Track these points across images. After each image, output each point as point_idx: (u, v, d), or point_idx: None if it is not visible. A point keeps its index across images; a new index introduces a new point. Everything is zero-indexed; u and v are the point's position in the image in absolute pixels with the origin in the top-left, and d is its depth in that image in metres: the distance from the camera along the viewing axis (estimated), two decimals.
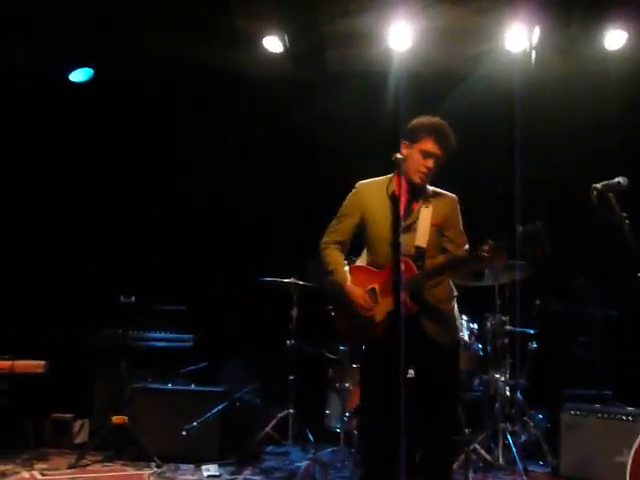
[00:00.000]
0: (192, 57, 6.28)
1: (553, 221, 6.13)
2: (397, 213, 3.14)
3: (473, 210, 6.08)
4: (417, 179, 3.50)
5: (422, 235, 3.48)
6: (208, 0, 5.63)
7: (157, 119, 6.47)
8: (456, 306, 3.66)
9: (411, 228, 3.48)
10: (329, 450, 5.16)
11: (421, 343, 3.35)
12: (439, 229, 3.55)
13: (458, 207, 3.66)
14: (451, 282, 3.65)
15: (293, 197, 6.32)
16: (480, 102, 5.97)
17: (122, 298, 5.34)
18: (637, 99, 5.91)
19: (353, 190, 3.69)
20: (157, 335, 5.86)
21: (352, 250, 3.77)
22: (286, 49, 5.79)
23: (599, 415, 4.90)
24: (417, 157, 3.49)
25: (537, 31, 5.54)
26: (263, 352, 5.85)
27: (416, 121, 3.55)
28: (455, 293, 3.66)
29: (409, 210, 3.51)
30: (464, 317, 5.19)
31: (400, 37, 5.55)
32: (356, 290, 3.53)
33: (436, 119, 3.53)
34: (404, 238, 3.42)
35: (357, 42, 5.91)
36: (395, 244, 3.09)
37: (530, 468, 5.07)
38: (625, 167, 3.84)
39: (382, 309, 3.47)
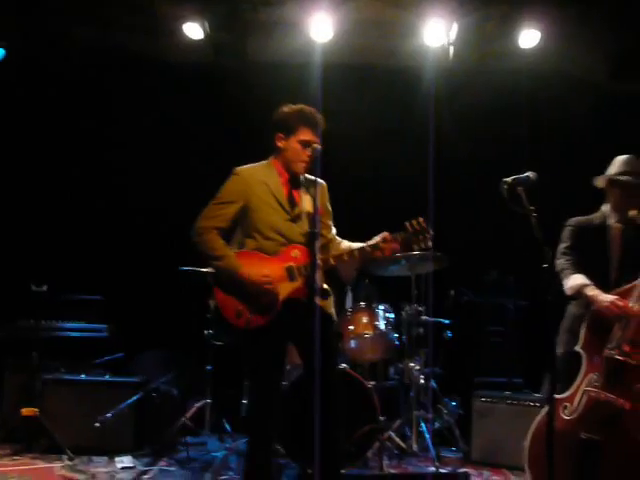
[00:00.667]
0: (112, 41, 6.14)
1: (467, 213, 6.34)
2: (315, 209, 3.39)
3: (388, 199, 6.22)
4: (301, 169, 3.60)
5: (307, 223, 3.56)
6: None
7: (76, 104, 6.30)
8: None
9: (300, 217, 3.57)
10: (245, 440, 5.14)
11: (316, 322, 3.38)
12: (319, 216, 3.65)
13: (327, 193, 3.78)
14: None
15: (212, 185, 6.24)
16: (399, 94, 6.07)
17: (33, 287, 5.18)
18: (547, 95, 6.12)
19: (234, 176, 3.68)
20: (70, 325, 5.71)
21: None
22: (207, 36, 5.73)
23: (509, 402, 5.07)
24: (297, 148, 3.58)
25: (455, 27, 5.66)
26: (181, 342, 5.78)
27: (285, 112, 3.62)
28: None
29: (293, 200, 3.59)
30: (381, 307, 5.29)
31: (321, 28, 5.56)
32: (253, 273, 3.51)
33: (303, 106, 3.61)
34: (294, 227, 3.58)
35: (279, 31, 5.90)
36: (311, 236, 3.34)
37: (443, 454, 5.19)
38: (534, 161, 3.98)
39: (280, 295, 3.52)
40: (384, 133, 6.30)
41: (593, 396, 3.52)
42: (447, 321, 5.57)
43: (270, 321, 3.52)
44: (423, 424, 5.17)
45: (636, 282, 3.65)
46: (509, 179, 3.55)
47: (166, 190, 6.30)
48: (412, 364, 5.28)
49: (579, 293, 3.78)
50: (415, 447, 5.10)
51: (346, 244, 3.76)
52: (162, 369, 5.67)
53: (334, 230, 3.84)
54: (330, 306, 3.70)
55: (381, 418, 4.82)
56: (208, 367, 5.44)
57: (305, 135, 3.56)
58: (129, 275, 6.20)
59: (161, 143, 6.38)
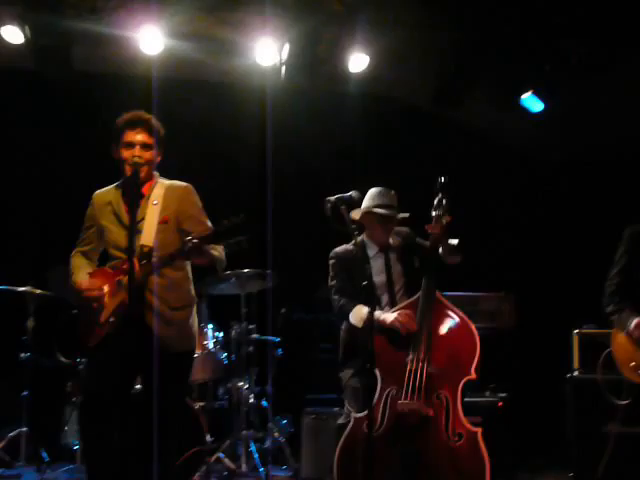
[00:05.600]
0: None
1: (298, 230, 6.40)
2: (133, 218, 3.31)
3: (219, 213, 6.14)
4: (128, 172, 3.45)
5: (147, 234, 3.45)
6: None
7: None
8: (194, 316, 3.62)
9: (139, 229, 3.43)
10: (64, 469, 4.88)
11: (148, 347, 3.32)
12: (170, 225, 3.52)
13: (193, 196, 3.64)
14: (191, 291, 3.62)
15: (34, 201, 5.93)
16: (232, 111, 6.06)
17: None
18: (376, 118, 6.33)
19: (91, 201, 3.66)
20: None
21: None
22: (27, 41, 5.41)
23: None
24: (123, 151, 3.49)
25: (287, 47, 5.71)
26: None
27: (115, 123, 3.55)
28: (194, 301, 3.63)
29: (133, 213, 3.40)
30: (210, 326, 5.20)
31: (150, 41, 5.41)
32: (84, 282, 3.45)
33: (131, 112, 3.55)
34: (133, 240, 3.38)
35: (106, 42, 5.67)
36: (130, 248, 3.26)
37: (273, 473, 5.17)
38: (363, 179, 4.09)
39: (108, 310, 3.40)
40: (216, 148, 6.26)
41: (398, 409, 3.58)
42: (277, 339, 5.57)
43: (102, 338, 3.38)
44: (253, 444, 5.12)
45: (417, 295, 3.81)
46: (333, 198, 3.60)
47: None
48: (241, 383, 5.23)
49: (368, 321, 3.84)
50: (244, 467, 5.05)
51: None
52: None
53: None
54: (167, 337, 3.42)
55: (209, 439, 4.72)
56: (24, 393, 5.12)
57: (128, 137, 3.48)
58: None
59: None
